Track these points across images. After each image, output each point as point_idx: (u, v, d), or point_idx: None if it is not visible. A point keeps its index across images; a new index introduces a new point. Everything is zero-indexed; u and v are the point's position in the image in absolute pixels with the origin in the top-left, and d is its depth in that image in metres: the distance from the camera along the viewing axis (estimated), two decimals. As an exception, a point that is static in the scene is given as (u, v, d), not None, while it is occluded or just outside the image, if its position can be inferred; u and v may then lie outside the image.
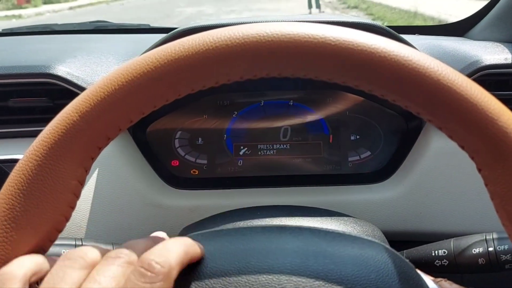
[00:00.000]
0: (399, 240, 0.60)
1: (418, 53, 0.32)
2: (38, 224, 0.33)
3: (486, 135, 0.30)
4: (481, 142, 0.30)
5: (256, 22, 0.35)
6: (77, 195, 0.35)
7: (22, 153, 0.57)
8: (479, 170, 0.32)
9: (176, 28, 0.64)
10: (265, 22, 0.35)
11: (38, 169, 0.33)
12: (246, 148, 0.72)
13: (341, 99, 0.71)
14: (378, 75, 0.31)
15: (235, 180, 0.71)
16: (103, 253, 0.33)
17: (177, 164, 0.72)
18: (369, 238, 0.36)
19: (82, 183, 0.35)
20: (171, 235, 0.64)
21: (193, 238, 0.38)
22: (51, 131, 0.33)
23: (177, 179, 0.70)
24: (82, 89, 0.60)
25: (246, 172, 0.72)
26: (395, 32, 0.60)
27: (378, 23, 0.60)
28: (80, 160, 0.34)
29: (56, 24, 1.05)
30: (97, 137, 0.34)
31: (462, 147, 0.32)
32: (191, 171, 0.72)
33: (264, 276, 0.32)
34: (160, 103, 0.35)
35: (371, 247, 0.35)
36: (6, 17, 12.00)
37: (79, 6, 14.24)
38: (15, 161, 0.56)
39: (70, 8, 13.96)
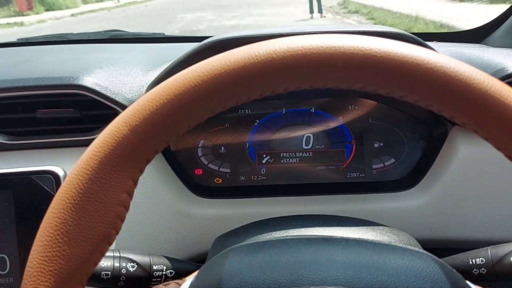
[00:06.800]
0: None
1: (463, 64, 0.32)
2: (89, 238, 0.34)
3: None
4: None
5: (294, 34, 0.35)
6: (126, 208, 0.35)
7: (51, 163, 0.58)
8: None
9: (192, 37, 0.65)
10: (299, 34, 0.35)
11: (89, 183, 0.33)
12: (268, 157, 0.72)
13: (363, 106, 0.71)
14: (427, 87, 0.32)
15: (258, 189, 0.71)
16: None
17: (201, 172, 0.72)
18: (417, 249, 0.36)
19: (131, 196, 0.35)
20: (201, 244, 0.64)
21: (239, 250, 0.38)
22: (101, 144, 0.33)
23: (202, 187, 0.70)
24: (110, 100, 0.60)
25: (269, 180, 0.72)
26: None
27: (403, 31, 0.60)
28: (129, 173, 0.34)
29: (72, 33, 1.06)
30: (146, 151, 0.34)
31: (509, 157, 0.32)
32: (215, 180, 0.72)
33: None
34: (206, 115, 0.35)
35: (421, 258, 0.35)
36: (8, 24, 12.05)
37: (81, 13, 14.29)
38: (44, 172, 0.56)
39: (72, 15, 14.02)
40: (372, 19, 8.40)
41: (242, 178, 0.72)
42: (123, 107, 0.61)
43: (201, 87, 0.33)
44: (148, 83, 0.65)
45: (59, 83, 0.59)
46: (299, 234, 0.49)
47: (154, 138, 0.34)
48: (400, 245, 0.38)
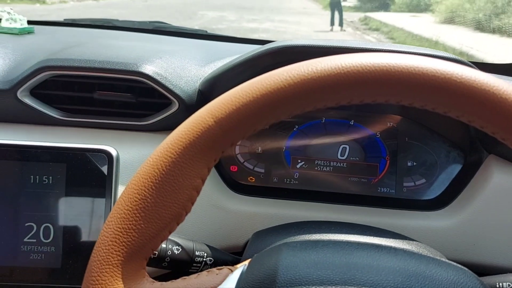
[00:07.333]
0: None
1: None
2: (163, 216, 0.36)
3: None
4: None
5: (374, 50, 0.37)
6: (198, 192, 0.38)
7: (101, 143, 0.60)
8: None
9: (235, 37, 0.65)
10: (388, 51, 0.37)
11: (171, 166, 0.36)
12: (303, 162, 0.75)
13: (402, 125, 0.73)
14: (500, 117, 0.34)
15: (290, 192, 0.73)
16: None
17: (236, 169, 0.74)
18: (460, 266, 0.39)
19: (203, 182, 0.38)
20: (232, 237, 0.66)
21: (293, 246, 0.40)
22: (187, 132, 0.36)
23: (236, 184, 0.72)
24: (168, 90, 0.63)
25: (301, 185, 0.74)
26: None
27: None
28: (206, 162, 0.37)
29: (117, 20, 1.09)
30: (225, 142, 0.37)
31: None
32: (248, 178, 0.74)
33: None
34: (284, 117, 0.38)
35: (465, 274, 0.37)
36: (31, 0, 12.15)
37: (103, -2, 14.38)
38: (99, 151, 0.58)
39: (94, -1, 14.12)
40: (392, 38, 8.44)
41: (275, 179, 0.74)
42: (178, 98, 0.63)
43: (286, 90, 0.35)
44: (202, 78, 0.67)
45: (123, 68, 0.62)
46: (338, 239, 0.51)
47: (235, 132, 0.36)
48: (444, 259, 0.40)
